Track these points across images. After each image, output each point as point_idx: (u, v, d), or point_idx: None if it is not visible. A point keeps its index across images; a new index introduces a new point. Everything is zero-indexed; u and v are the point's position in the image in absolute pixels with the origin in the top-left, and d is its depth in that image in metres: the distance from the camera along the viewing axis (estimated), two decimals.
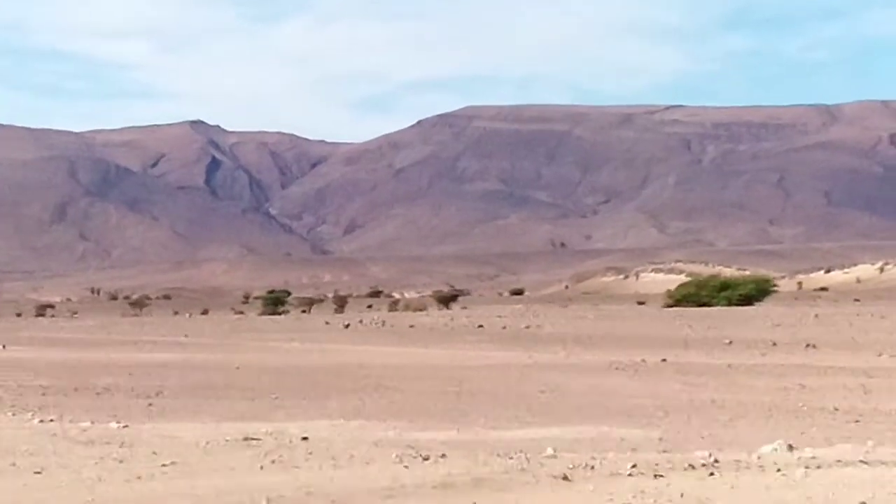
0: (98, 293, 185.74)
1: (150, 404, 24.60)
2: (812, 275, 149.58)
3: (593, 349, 42.52)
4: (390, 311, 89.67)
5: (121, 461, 14.07)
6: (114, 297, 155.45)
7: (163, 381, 30.06)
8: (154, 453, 14.63)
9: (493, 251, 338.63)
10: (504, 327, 57.01)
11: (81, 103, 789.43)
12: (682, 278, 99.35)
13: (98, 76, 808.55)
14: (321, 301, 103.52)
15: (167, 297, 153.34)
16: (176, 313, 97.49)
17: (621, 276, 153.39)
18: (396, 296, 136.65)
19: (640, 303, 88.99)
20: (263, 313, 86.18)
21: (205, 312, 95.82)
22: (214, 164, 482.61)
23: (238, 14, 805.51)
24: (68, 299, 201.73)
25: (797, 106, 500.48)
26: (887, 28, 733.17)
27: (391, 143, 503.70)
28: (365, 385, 28.90)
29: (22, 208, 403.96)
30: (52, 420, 19.80)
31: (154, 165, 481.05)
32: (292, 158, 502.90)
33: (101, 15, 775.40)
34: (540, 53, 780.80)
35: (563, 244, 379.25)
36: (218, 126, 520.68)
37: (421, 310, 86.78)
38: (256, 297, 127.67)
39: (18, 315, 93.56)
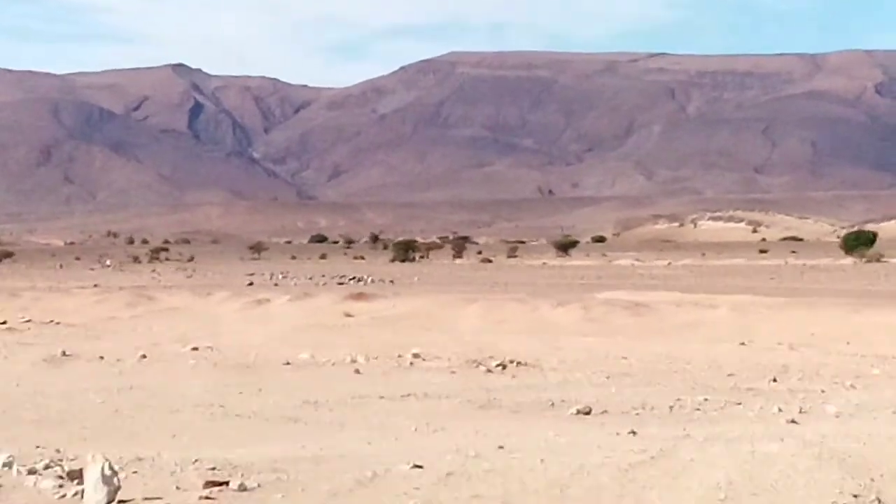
0: (115, 236, 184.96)
1: None
2: None
3: None
4: (509, 257, 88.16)
5: None
6: (130, 241, 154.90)
7: None
8: None
9: (481, 198, 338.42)
10: None
11: (61, 46, 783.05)
12: (743, 227, 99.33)
13: (75, 19, 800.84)
14: (440, 247, 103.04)
15: (186, 242, 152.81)
16: (322, 257, 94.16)
17: (676, 224, 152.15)
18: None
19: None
20: (394, 259, 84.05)
21: (323, 257, 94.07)
22: (197, 108, 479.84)
23: None
24: (71, 242, 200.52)
25: (782, 55, 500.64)
26: None
27: (374, 88, 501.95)
28: None
29: (6, 151, 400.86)
30: None
31: (137, 108, 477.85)
32: (275, 103, 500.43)
33: None
34: None
35: (550, 191, 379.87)
36: (200, 70, 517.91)
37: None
38: (351, 242, 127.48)
39: (136, 260, 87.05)
